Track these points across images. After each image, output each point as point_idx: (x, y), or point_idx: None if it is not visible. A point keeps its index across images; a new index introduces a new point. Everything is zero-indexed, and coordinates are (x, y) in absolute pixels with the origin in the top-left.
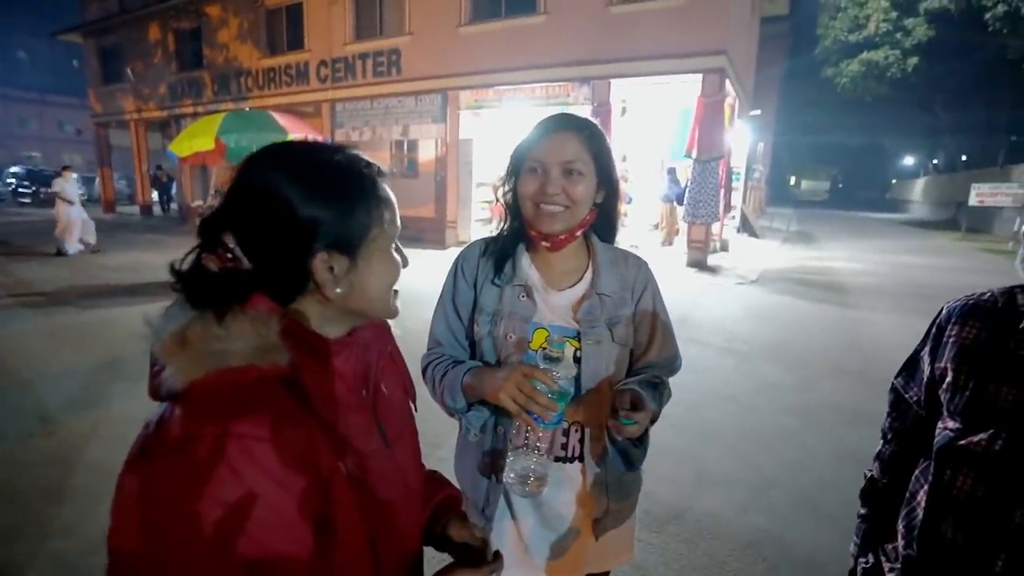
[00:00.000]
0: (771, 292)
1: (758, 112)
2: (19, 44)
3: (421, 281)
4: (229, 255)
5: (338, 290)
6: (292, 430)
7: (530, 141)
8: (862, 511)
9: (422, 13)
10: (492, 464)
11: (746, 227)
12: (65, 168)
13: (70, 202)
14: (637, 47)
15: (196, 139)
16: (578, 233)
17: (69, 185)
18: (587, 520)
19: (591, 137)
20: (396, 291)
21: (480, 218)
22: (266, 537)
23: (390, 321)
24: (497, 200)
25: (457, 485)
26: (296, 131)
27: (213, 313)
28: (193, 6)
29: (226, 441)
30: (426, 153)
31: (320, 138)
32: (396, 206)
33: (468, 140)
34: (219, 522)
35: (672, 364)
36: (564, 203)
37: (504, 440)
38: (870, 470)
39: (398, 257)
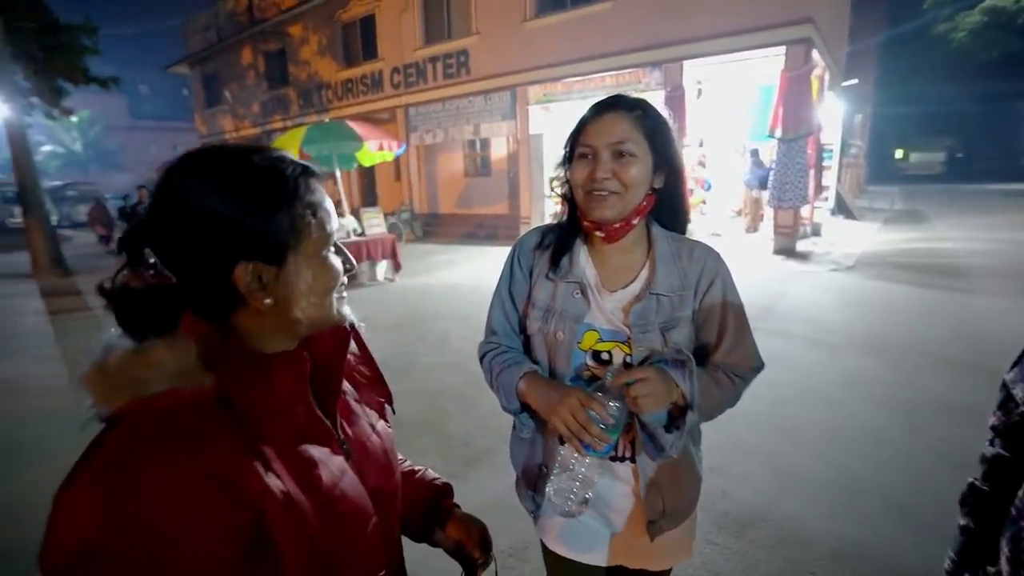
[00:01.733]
0: (869, 278)
1: (854, 81)
2: (142, 79)
3: (494, 279)
4: (151, 271)
5: (267, 301)
6: (213, 454)
7: (579, 126)
8: (961, 521)
9: (488, 12)
10: (537, 475)
11: (842, 208)
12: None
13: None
14: (712, 24)
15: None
16: (634, 221)
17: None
18: (641, 518)
19: (644, 117)
20: (341, 296)
21: (554, 212)
22: (183, 564)
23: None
24: (553, 191)
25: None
26: (371, 138)
27: (131, 339)
28: (278, 28)
29: (139, 470)
30: (498, 151)
31: (395, 143)
32: (329, 208)
33: (538, 135)
34: (132, 549)
35: (743, 366)
36: (615, 188)
37: (550, 452)
38: (976, 476)
39: (336, 261)
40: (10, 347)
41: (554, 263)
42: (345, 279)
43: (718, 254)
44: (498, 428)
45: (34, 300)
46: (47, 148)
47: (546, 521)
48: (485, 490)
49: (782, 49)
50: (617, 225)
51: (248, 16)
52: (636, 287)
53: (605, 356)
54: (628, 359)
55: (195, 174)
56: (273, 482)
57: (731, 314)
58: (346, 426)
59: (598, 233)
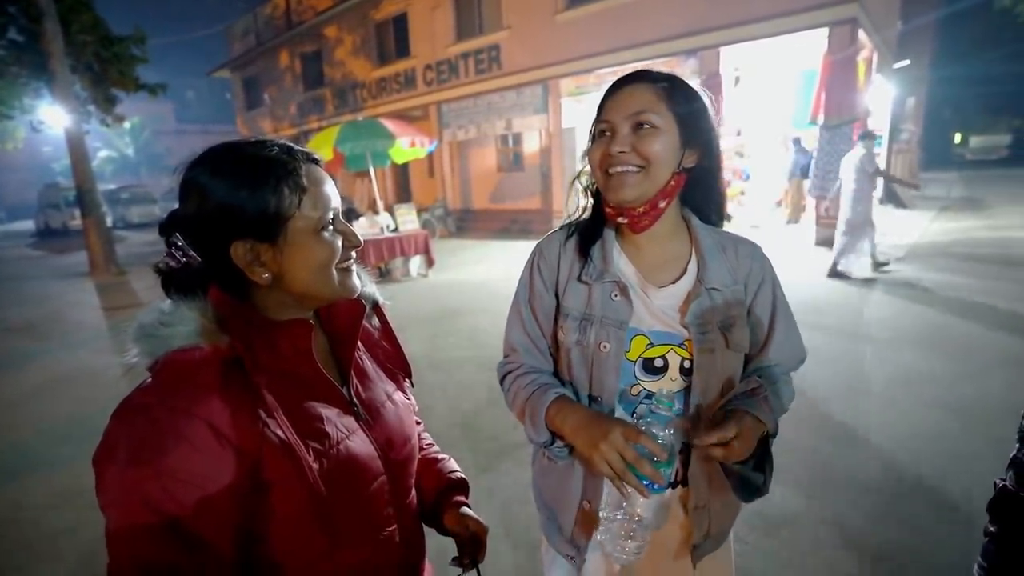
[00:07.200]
0: (923, 270)
1: (906, 63)
2: (188, 85)
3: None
4: (180, 252)
5: (265, 275)
6: (219, 403)
7: (600, 105)
8: (991, 528)
9: (519, 6)
10: (583, 518)
11: (891, 197)
12: None
13: None
14: (750, 7)
15: (317, 152)
16: (661, 204)
17: None
18: (686, 547)
19: (671, 89)
20: (347, 269)
21: (580, 206)
22: (182, 495)
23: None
24: (579, 183)
25: (536, 506)
26: (403, 135)
27: (162, 304)
28: (315, 30)
29: (157, 411)
30: (530, 145)
31: (426, 140)
32: (327, 191)
33: (571, 129)
34: (142, 477)
35: (791, 361)
36: (634, 162)
37: (593, 485)
38: (1003, 478)
39: (335, 239)
40: (73, 341)
41: (584, 262)
42: (354, 255)
43: (762, 251)
44: None
45: (91, 297)
46: (103, 154)
47: (590, 568)
48: (514, 483)
49: (825, 31)
50: (641, 209)
51: (286, 20)
52: (686, 283)
53: (659, 363)
54: (686, 363)
55: (197, 166)
56: (272, 432)
57: (780, 314)
58: (361, 391)
59: (621, 220)
